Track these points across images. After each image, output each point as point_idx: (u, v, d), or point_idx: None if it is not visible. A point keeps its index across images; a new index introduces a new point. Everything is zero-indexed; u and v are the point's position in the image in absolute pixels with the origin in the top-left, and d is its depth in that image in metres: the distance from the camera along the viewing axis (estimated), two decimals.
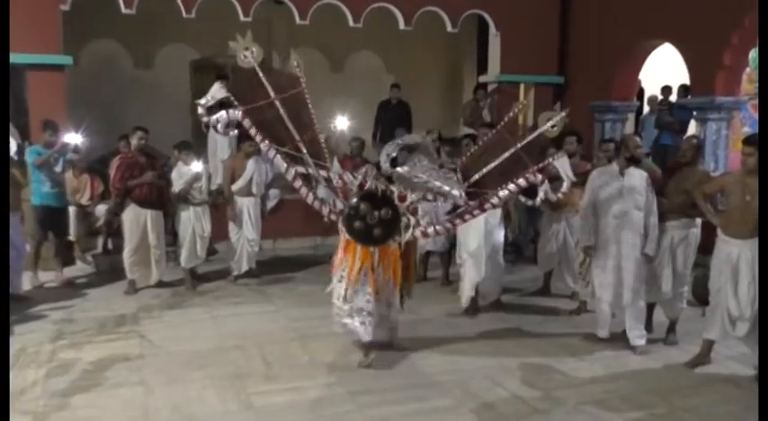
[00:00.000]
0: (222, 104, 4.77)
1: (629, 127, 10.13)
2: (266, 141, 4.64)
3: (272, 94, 4.82)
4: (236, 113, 4.65)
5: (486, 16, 9.63)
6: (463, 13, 9.41)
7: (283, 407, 4.12)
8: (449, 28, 9.40)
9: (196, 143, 9.90)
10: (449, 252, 6.84)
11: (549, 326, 5.69)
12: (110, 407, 4.08)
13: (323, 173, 4.84)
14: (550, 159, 4.60)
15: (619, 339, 5.19)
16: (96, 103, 9.58)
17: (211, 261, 7.37)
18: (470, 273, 5.86)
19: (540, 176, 4.51)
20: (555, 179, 4.74)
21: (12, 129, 7.18)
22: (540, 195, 4.59)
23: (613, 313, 5.24)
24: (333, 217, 4.74)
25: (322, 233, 8.71)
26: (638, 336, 5.10)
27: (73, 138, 6.84)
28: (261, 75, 4.85)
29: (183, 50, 10.92)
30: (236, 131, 5.06)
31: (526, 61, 9.67)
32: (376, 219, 4.56)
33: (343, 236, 4.73)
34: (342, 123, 7.04)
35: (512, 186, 4.49)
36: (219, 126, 4.70)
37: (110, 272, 7.23)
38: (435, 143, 6.88)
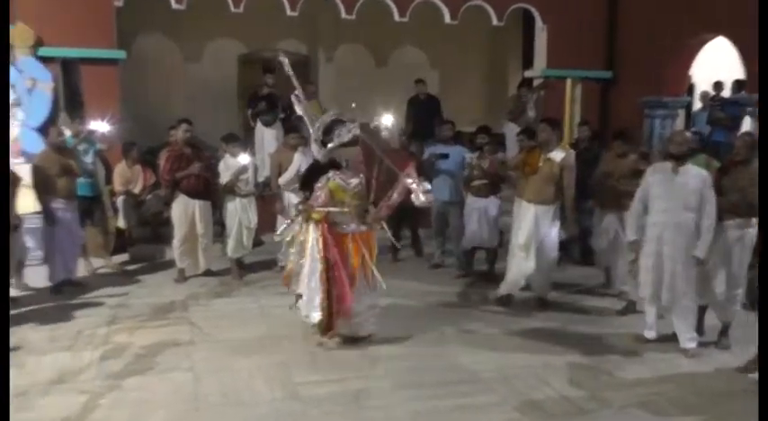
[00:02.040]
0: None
1: (680, 123, 9.91)
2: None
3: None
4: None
5: (533, 10, 9.53)
6: (509, 6, 9.34)
7: (328, 397, 4.17)
8: (494, 22, 9.34)
9: (243, 136, 10.09)
10: (494, 249, 6.81)
11: (595, 326, 5.61)
12: (161, 390, 4.20)
13: None
14: None
15: (669, 341, 5.09)
16: (146, 97, 9.84)
17: (258, 252, 7.48)
18: (517, 265, 5.89)
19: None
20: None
21: (66, 119, 7.42)
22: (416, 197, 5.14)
23: (661, 314, 5.14)
24: None
25: None
26: (688, 339, 4.98)
27: (99, 127, 7.00)
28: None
29: (230, 45, 11.11)
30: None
31: (573, 55, 9.55)
32: None
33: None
34: (387, 120, 7.07)
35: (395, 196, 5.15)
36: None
37: (155, 260, 7.44)
38: (484, 138, 6.81)
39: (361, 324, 5.08)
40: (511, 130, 9.20)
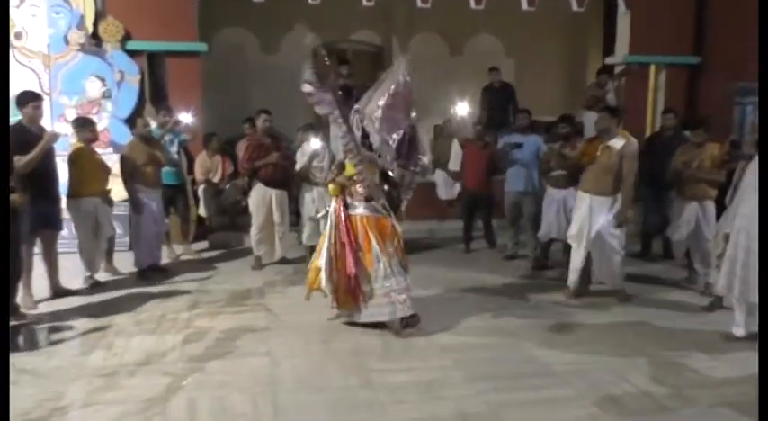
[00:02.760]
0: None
1: None
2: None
3: None
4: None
5: None
6: None
7: (401, 386, 4.17)
8: (574, 7, 9.03)
9: (319, 126, 10.22)
10: None
11: (679, 322, 5.39)
12: (240, 373, 4.31)
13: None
14: None
15: None
16: (226, 87, 10.10)
17: None
18: (573, 257, 5.87)
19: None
20: None
21: (151, 111, 7.73)
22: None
23: (750, 311, 4.88)
24: None
25: (438, 216, 8.75)
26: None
27: (184, 118, 7.23)
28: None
29: (306, 36, 11.22)
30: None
31: (658, 40, 9.14)
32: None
33: None
34: (461, 109, 7.00)
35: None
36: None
37: (232, 247, 7.66)
38: (565, 128, 6.62)
39: (381, 308, 4.95)
40: (589, 119, 8.91)
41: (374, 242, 4.93)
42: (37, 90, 7.47)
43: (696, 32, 9.39)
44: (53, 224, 5.79)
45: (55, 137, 5.55)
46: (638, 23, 9.18)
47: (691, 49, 9.39)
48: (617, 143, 5.58)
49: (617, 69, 9.70)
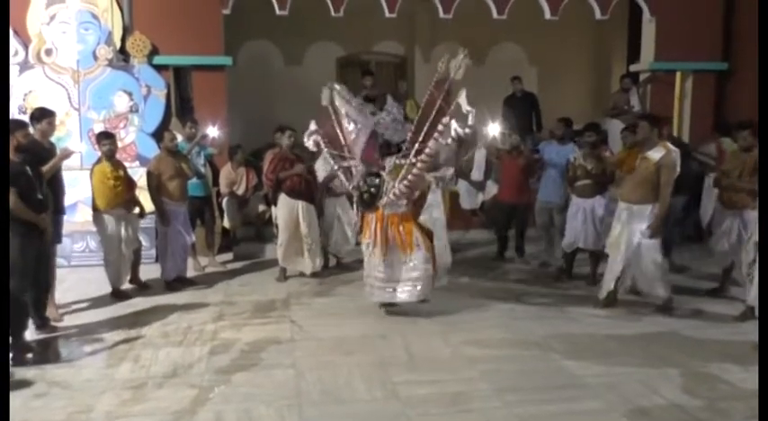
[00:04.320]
0: None
1: None
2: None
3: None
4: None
5: (640, 1, 9.07)
6: None
7: (427, 398, 4.14)
8: (598, 15, 8.96)
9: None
10: (600, 251, 6.57)
11: (711, 332, 5.28)
12: (265, 386, 4.32)
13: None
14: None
15: None
16: (251, 100, 10.21)
17: (355, 252, 7.54)
18: (610, 266, 5.81)
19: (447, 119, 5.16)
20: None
21: (177, 124, 7.82)
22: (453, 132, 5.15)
23: None
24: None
25: (464, 227, 8.71)
26: None
27: (211, 131, 7.30)
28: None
29: (329, 48, 11.32)
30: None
31: (684, 47, 9.01)
32: (367, 188, 5.61)
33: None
34: (493, 129, 7.03)
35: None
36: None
37: (257, 259, 7.72)
38: (591, 136, 6.56)
39: (396, 291, 5.57)
40: (614, 127, 8.84)
41: (399, 232, 5.59)
42: (66, 105, 7.66)
43: (724, 38, 9.26)
44: (54, 238, 5.68)
45: (69, 153, 5.62)
46: (663, 30, 9.07)
47: (719, 54, 9.25)
48: (655, 154, 5.51)
49: (642, 76, 9.60)
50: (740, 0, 9.08)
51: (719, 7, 9.17)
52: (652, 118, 5.90)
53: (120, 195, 6.25)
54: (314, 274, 6.97)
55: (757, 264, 4.82)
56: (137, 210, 6.47)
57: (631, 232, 5.61)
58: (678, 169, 5.62)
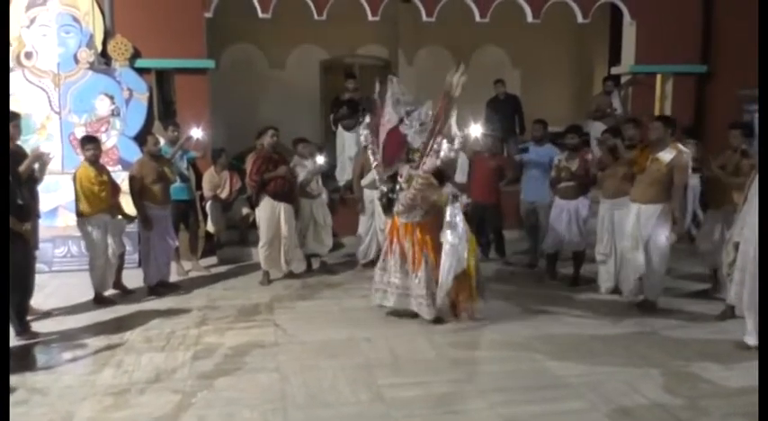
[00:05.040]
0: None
1: None
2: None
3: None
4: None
5: (621, 4, 9.16)
6: (596, 2, 9.01)
7: (412, 400, 4.15)
8: (579, 19, 9.05)
9: (325, 140, 10.25)
10: (583, 251, 6.62)
11: (691, 331, 5.34)
12: (249, 390, 4.30)
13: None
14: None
15: None
16: (234, 103, 10.17)
17: (338, 255, 7.58)
18: (634, 265, 5.82)
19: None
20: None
21: (160, 128, 7.78)
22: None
23: None
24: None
25: None
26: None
27: (195, 132, 7.26)
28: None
29: (313, 51, 11.33)
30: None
31: (664, 50, 9.12)
32: (385, 192, 5.67)
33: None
34: (475, 130, 7.06)
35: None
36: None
37: (241, 262, 7.71)
38: (573, 138, 6.61)
39: (412, 300, 5.50)
40: (596, 129, 8.92)
41: (414, 242, 5.56)
42: (47, 109, 7.59)
43: (703, 40, 9.37)
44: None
45: (40, 154, 5.55)
46: (643, 33, 9.17)
47: (698, 56, 9.36)
48: (666, 156, 5.57)
49: (623, 79, 9.70)
50: (719, 4, 9.21)
51: (699, 11, 9.29)
52: (666, 119, 5.96)
53: (104, 200, 6.20)
54: (290, 275, 7.02)
55: (737, 265, 4.87)
56: (119, 216, 6.43)
57: (642, 231, 5.66)
58: (690, 170, 5.70)
